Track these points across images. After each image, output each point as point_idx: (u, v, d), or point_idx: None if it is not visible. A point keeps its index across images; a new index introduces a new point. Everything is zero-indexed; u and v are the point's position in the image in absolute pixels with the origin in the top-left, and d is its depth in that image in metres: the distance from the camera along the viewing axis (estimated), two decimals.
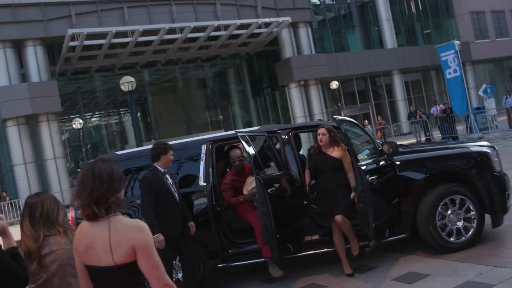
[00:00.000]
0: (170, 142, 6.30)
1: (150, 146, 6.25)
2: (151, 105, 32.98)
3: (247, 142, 6.26)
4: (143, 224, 2.43)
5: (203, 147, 7.09)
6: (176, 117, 33.56)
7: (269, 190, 6.03)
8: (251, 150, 6.22)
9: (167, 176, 5.89)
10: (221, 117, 33.97)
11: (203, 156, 7.02)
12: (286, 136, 7.24)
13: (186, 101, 34.81)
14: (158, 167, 5.88)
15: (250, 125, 31.06)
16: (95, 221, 2.41)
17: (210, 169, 6.95)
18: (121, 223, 2.42)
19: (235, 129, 7.37)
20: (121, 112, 37.21)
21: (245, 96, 33.49)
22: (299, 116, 29.60)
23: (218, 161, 7.65)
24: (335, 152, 6.50)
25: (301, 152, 8.25)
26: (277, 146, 7.33)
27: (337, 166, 6.42)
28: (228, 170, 7.53)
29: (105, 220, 2.40)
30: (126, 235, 2.37)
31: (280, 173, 6.82)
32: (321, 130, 6.52)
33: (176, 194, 5.84)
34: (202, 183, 6.82)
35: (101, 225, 2.40)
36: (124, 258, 2.36)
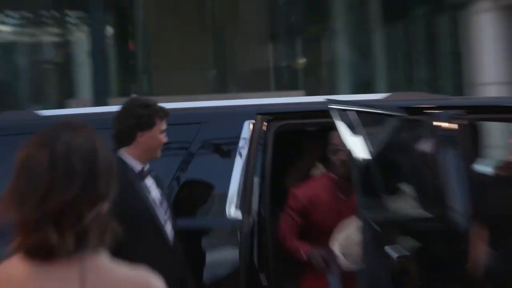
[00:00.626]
0: (167, 104, 3.90)
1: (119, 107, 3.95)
2: (142, 16, 18.31)
3: (350, 126, 3.92)
4: (159, 284, 1.51)
5: (246, 125, 4.38)
6: (194, 51, 18.37)
7: (387, 249, 3.65)
8: (356, 146, 3.96)
9: (150, 181, 3.71)
10: (297, 62, 17.96)
11: (243, 145, 4.36)
12: (453, 125, 4.45)
13: (218, 23, 19.13)
14: (128, 157, 3.69)
15: (367, 87, 17.31)
16: (48, 261, 1.47)
17: (258, 179, 4.30)
18: (108, 274, 1.49)
19: (325, 94, 5.29)
20: (68, 22, 19.76)
21: (364, 20, 18.35)
22: (490, 81, 18.33)
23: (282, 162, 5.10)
24: None
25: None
26: (426, 146, 4.54)
27: None
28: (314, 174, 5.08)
29: (73, 264, 1.47)
30: None
31: (429, 214, 4.09)
32: None
33: (169, 224, 3.71)
34: (232, 210, 4.19)
35: (64, 274, 1.48)
36: None
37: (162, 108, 3.58)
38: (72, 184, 1.46)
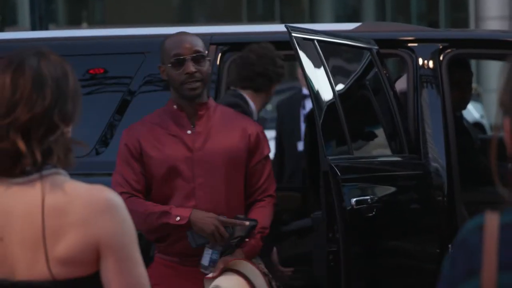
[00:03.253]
0: (102, 31, 4.09)
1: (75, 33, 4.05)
2: None
3: (313, 58, 3.31)
4: (116, 198, 1.46)
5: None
6: None
7: (352, 201, 3.10)
8: (316, 79, 3.30)
9: None
10: None
11: None
12: (430, 62, 3.81)
13: None
14: (251, 102, 3.46)
15: (353, 19, 14.87)
16: (11, 176, 1.47)
17: None
18: (71, 190, 1.50)
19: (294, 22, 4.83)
20: None
21: None
22: (493, 16, 14.73)
23: None
24: None
25: (477, 117, 5.92)
26: (400, 85, 3.95)
27: None
28: None
29: (36, 182, 1.46)
30: (81, 218, 1.48)
31: (399, 158, 3.66)
32: None
33: None
34: None
35: (25, 190, 1.48)
36: (71, 267, 1.46)
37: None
38: (42, 99, 1.49)
